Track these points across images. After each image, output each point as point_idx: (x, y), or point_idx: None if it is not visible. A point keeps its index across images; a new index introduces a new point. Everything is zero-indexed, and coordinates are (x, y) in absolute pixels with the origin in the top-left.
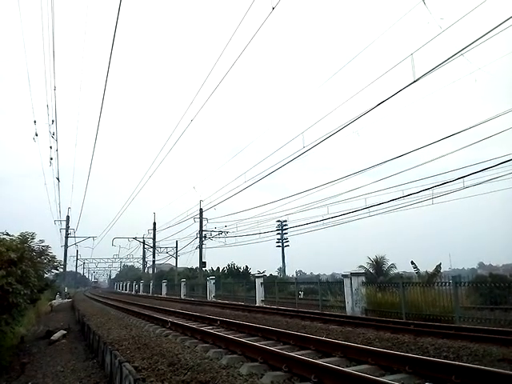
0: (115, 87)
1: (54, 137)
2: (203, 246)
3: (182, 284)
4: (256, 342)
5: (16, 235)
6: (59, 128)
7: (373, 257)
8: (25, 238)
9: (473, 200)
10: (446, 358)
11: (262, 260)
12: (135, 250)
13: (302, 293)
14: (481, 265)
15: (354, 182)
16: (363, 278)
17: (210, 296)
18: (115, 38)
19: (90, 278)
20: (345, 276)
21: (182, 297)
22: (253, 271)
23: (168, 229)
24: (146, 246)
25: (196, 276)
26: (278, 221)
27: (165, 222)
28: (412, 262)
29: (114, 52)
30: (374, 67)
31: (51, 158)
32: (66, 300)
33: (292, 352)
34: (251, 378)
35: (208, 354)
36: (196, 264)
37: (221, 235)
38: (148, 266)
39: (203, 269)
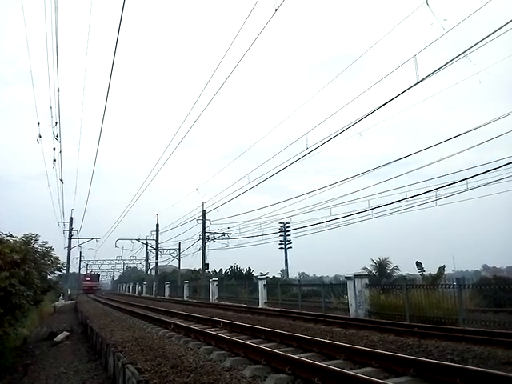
0: (119, 89)
1: (58, 138)
2: (206, 247)
3: (185, 286)
4: (259, 344)
5: (19, 236)
6: (63, 130)
7: (376, 259)
8: (28, 240)
9: (477, 202)
10: (450, 360)
11: (264, 262)
12: (138, 251)
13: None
14: (485, 267)
15: (357, 184)
16: (366, 280)
17: (213, 298)
18: (118, 39)
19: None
20: (348, 278)
21: (185, 298)
22: (256, 273)
23: (171, 230)
24: (148, 248)
25: (199, 278)
26: (281, 222)
27: (168, 224)
28: (417, 263)
29: (117, 54)
30: (378, 68)
31: (54, 160)
32: (69, 301)
33: (295, 354)
34: (254, 380)
35: (211, 356)
36: (199, 266)
37: (224, 237)
38: (151, 267)
39: (206, 270)
